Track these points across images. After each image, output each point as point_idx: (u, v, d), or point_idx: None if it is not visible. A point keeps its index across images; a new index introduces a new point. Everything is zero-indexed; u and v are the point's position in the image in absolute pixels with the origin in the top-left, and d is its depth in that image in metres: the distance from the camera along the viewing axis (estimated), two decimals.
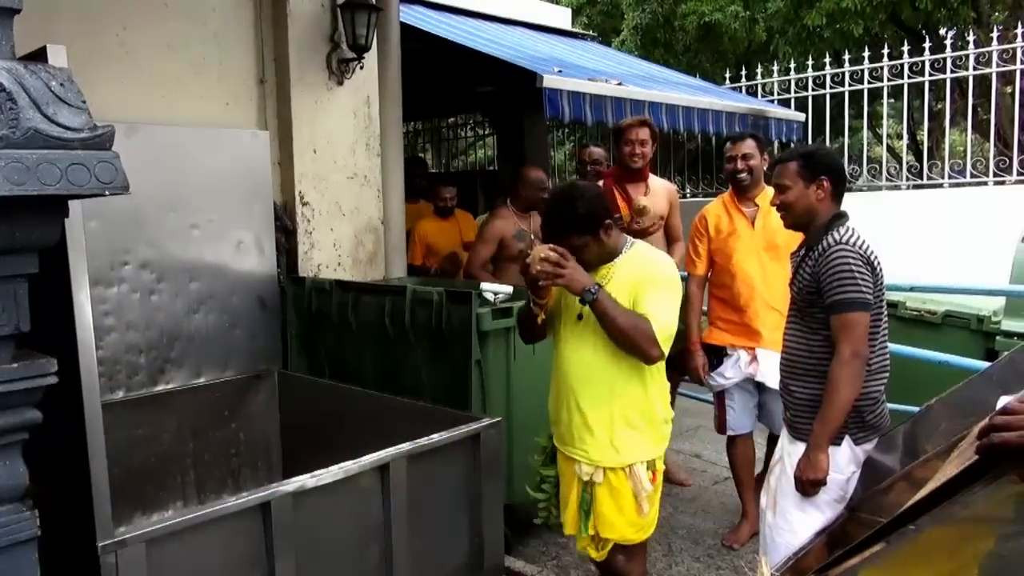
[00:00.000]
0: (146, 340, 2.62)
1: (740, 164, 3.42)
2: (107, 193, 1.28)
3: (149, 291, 2.64)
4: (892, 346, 3.48)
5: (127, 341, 2.57)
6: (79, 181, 1.24)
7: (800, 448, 2.38)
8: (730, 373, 3.46)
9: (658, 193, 4.00)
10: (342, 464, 2.33)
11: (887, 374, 2.46)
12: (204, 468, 2.69)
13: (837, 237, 2.33)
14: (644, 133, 3.92)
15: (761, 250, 3.38)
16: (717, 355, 3.51)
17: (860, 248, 2.30)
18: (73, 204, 1.41)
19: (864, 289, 2.26)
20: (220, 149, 2.91)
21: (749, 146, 3.43)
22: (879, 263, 2.35)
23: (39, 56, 1.76)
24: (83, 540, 2.31)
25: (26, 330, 1.36)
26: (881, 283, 2.35)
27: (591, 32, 9.85)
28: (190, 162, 2.80)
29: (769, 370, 3.23)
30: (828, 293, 2.29)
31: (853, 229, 2.37)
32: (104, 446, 2.30)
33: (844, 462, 2.34)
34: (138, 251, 2.61)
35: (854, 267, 2.26)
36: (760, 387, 3.44)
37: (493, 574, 3.05)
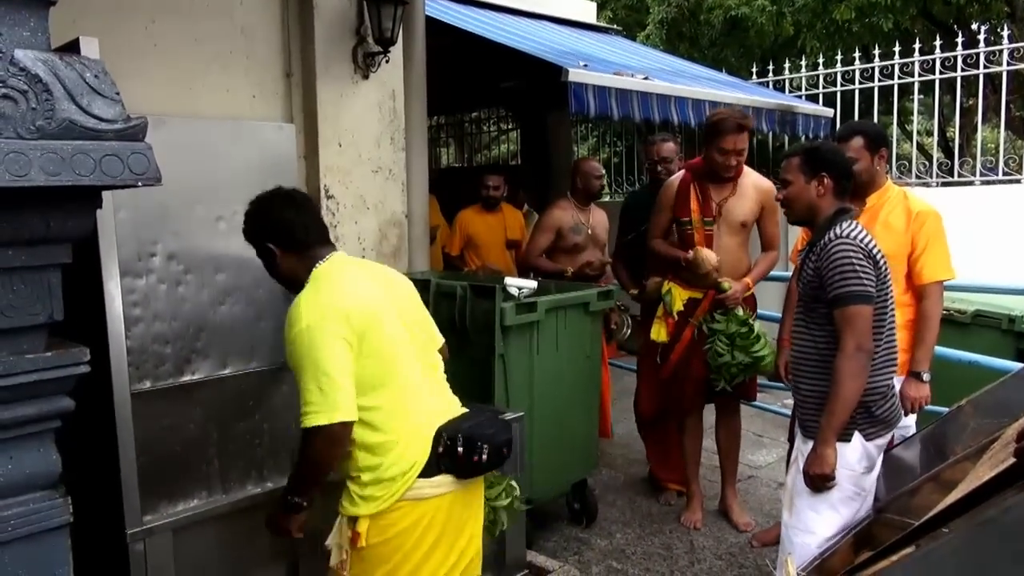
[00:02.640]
0: (173, 331, 2.64)
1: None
2: (140, 184, 1.29)
3: (176, 282, 2.66)
4: None
5: (154, 331, 2.59)
6: (113, 172, 1.25)
7: (811, 446, 2.36)
8: None
9: (746, 195, 3.56)
10: None
11: (894, 368, 2.43)
12: (229, 458, 2.70)
13: (839, 231, 2.33)
14: (743, 141, 3.44)
15: None
16: None
17: (861, 241, 2.30)
18: (104, 195, 1.42)
19: (866, 282, 2.25)
20: (246, 142, 2.92)
21: (856, 145, 2.98)
22: (882, 257, 2.34)
23: (72, 48, 1.78)
24: (111, 527, 2.34)
25: (59, 319, 1.38)
26: (885, 277, 2.34)
27: (616, 26, 9.80)
28: (217, 155, 2.82)
29: None
30: (830, 287, 2.29)
31: (856, 224, 2.36)
32: (133, 435, 2.33)
33: (855, 458, 2.32)
34: (165, 242, 2.63)
35: (855, 260, 2.26)
36: None
37: (515, 569, 3.06)
